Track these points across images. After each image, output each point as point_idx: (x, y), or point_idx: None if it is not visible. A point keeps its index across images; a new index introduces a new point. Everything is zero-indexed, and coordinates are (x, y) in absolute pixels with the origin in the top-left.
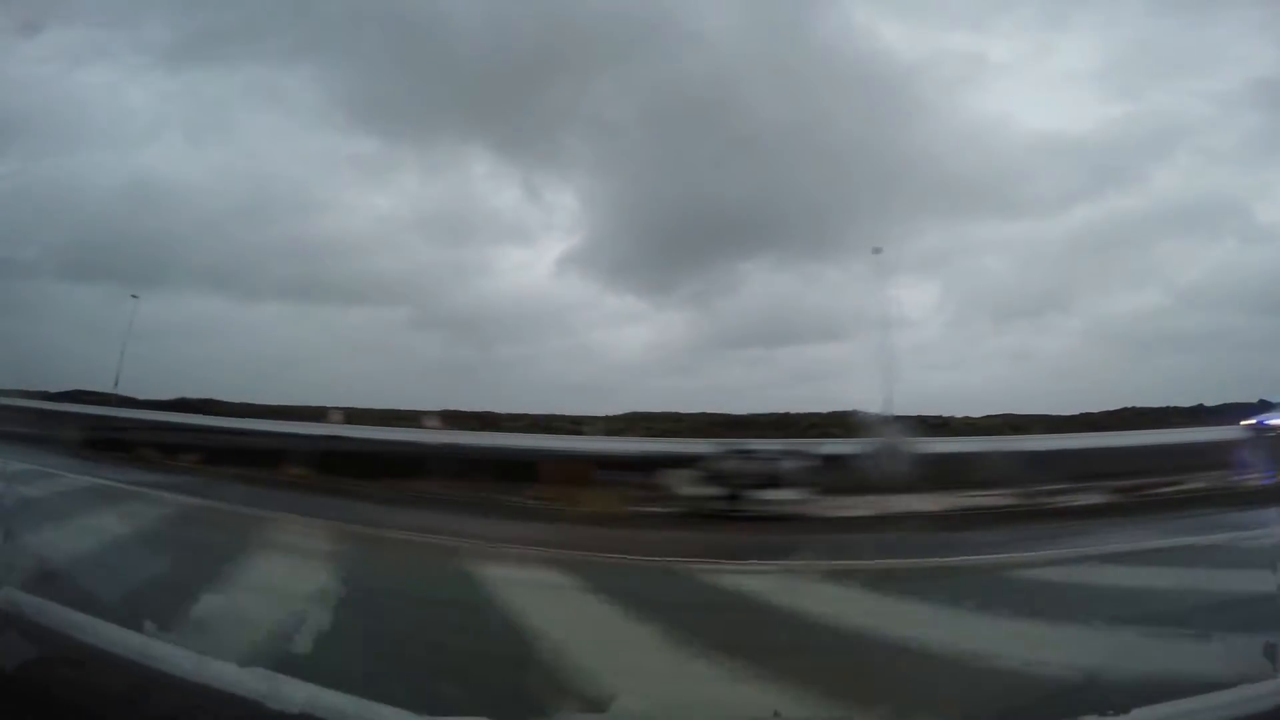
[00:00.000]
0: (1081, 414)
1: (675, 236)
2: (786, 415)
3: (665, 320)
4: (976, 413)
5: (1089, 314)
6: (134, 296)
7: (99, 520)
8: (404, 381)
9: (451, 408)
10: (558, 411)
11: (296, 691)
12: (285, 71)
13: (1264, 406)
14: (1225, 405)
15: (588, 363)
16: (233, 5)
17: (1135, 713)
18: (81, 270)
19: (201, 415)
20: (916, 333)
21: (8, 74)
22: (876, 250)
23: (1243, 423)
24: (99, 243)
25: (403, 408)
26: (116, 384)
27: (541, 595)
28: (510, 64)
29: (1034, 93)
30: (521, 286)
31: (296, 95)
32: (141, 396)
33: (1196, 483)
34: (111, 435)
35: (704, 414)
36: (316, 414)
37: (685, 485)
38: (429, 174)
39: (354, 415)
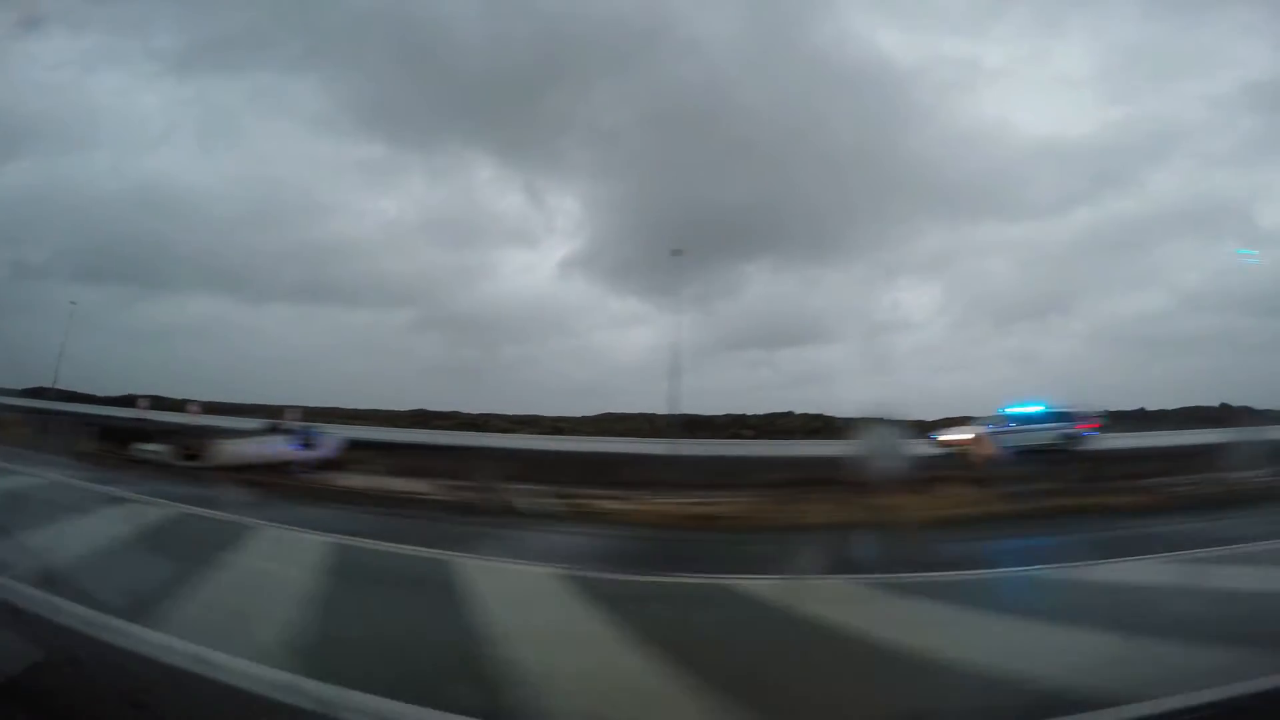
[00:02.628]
0: None
1: (677, 239)
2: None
3: (668, 322)
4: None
5: (1091, 316)
6: (72, 303)
7: None
8: (405, 382)
9: (447, 408)
10: (542, 413)
11: None
12: (292, 78)
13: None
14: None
15: (590, 364)
16: (240, 13)
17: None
18: (91, 273)
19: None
20: (918, 335)
21: (21, 79)
22: (676, 252)
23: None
24: (109, 246)
25: (398, 408)
26: (55, 380)
27: None
28: (512, 71)
29: (1030, 97)
30: (524, 289)
31: (304, 101)
32: (101, 394)
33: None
34: None
35: (681, 415)
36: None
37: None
38: (434, 179)
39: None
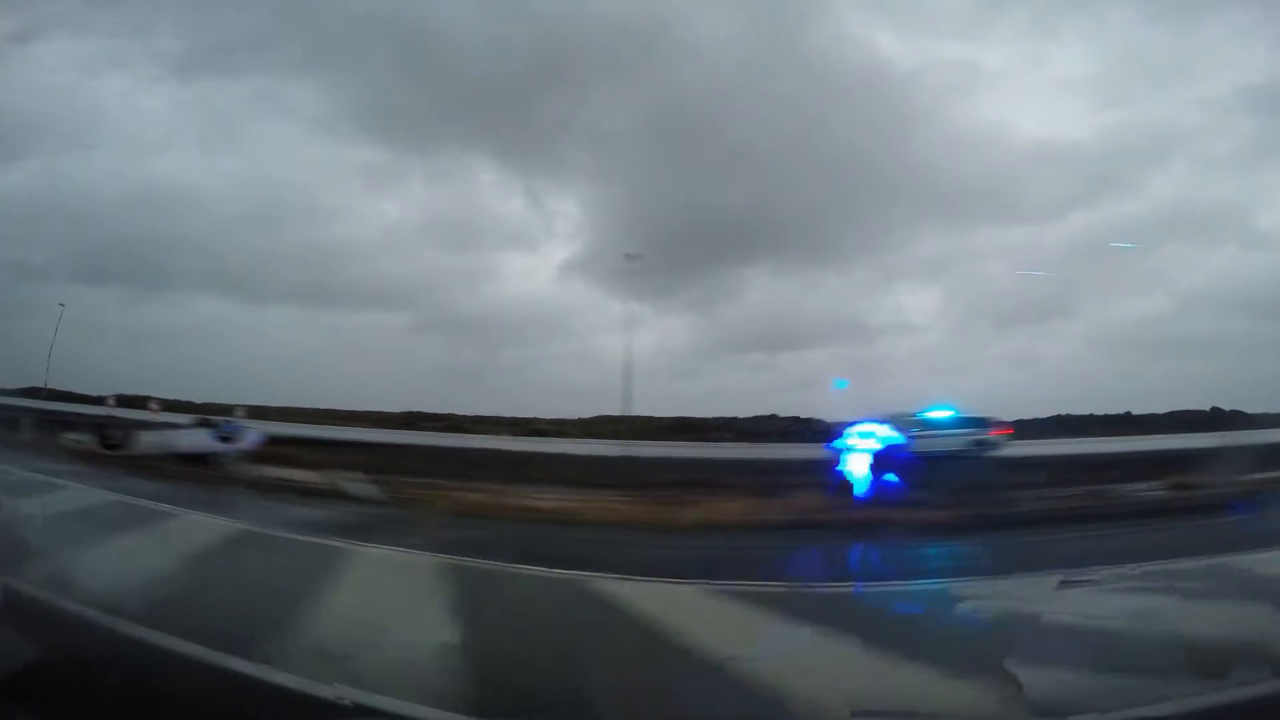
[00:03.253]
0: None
1: (676, 243)
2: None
3: (667, 325)
4: None
5: (1091, 319)
6: (61, 305)
7: None
8: (403, 385)
9: (442, 410)
10: (538, 415)
11: None
12: (293, 82)
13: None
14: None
15: (590, 367)
16: (242, 18)
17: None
18: (92, 274)
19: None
20: (918, 338)
21: (24, 81)
22: (631, 256)
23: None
24: (111, 248)
25: (393, 410)
26: (46, 380)
27: None
28: (512, 75)
29: (1028, 100)
30: (524, 292)
31: (305, 105)
32: (92, 394)
33: None
34: None
35: (672, 418)
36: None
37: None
38: (434, 182)
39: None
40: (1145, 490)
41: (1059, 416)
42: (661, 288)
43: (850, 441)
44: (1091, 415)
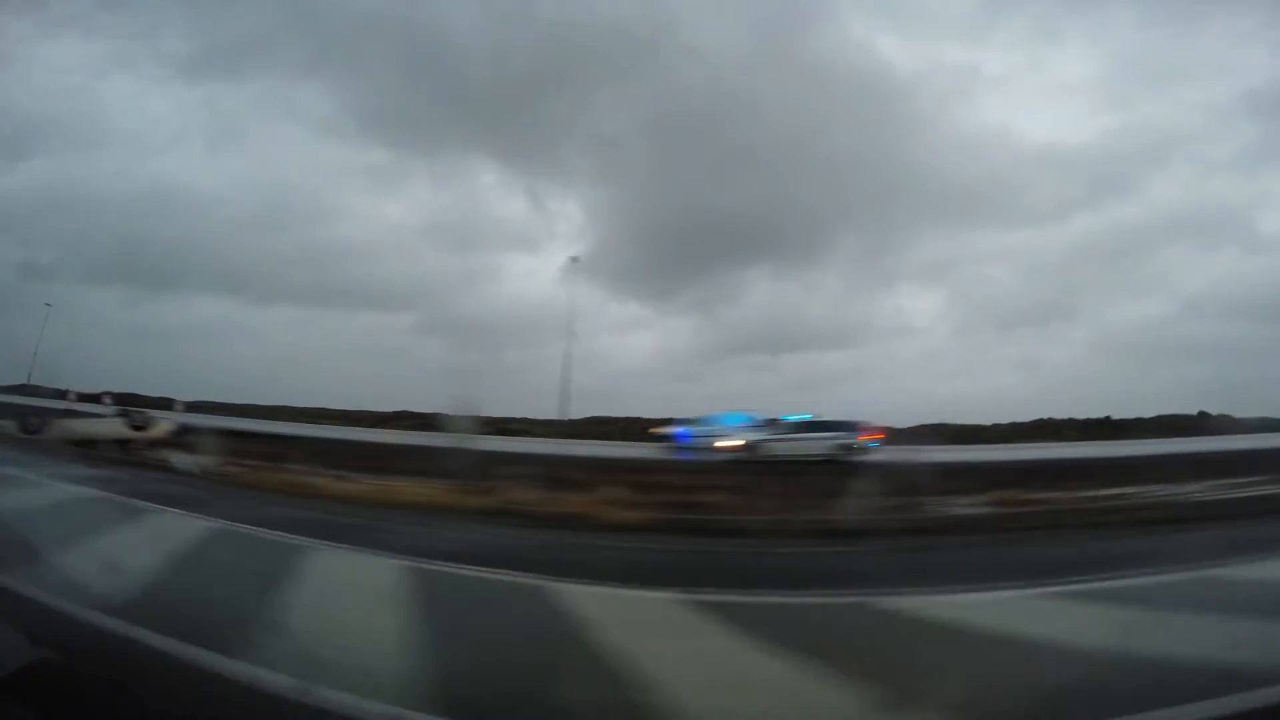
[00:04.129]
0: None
1: (678, 245)
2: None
3: (669, 326)
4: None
5: (1093, 322)
6: (47, 305)
7: None
8: (398, 385)
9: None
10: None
11: None
12: (298, 85)
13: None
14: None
15: (591, 369)
16: (248, 21)
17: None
18: (98, 274)
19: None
20: (920, 340)
21: (34, 82)
22: (573, 258)
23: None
24: (116, 248)
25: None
26: (30, 377)
27: None
28: (515, 78)
29: (1029, 104)
30: (526, 293)
31: (309, 107)
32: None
33: None
34: None
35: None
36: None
37: None
38: (437, 183)
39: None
40: (960, 506)
41: (1040, 420)
42: (663, 290)
43: (702, 439)
44: (1071, 419)
